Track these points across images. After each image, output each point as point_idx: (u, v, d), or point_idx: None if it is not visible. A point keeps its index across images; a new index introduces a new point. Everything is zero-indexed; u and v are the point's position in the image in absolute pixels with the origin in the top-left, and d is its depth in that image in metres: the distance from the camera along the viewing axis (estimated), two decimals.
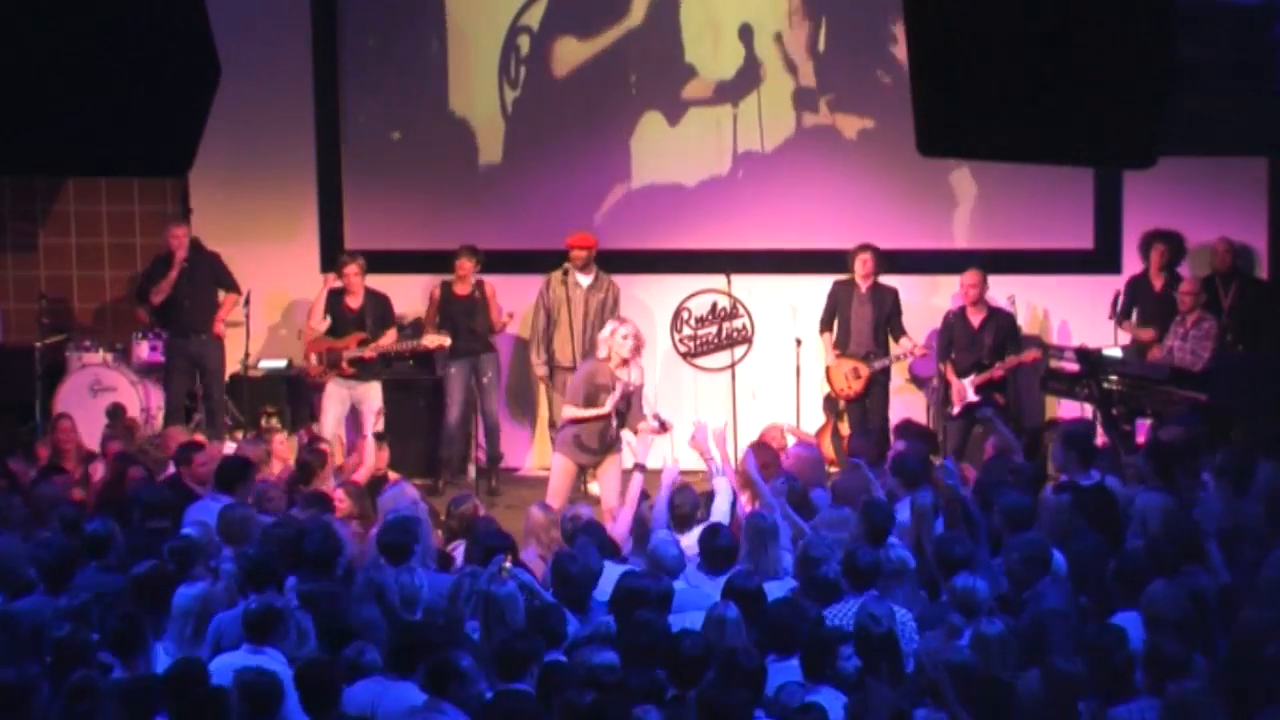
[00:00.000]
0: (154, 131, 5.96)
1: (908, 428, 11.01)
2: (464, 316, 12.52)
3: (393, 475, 10.59)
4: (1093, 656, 6.55)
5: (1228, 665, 6.75)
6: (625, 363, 10.52)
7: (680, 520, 8.94)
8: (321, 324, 12.29)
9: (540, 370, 12.61)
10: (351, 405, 12.27)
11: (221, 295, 12.82)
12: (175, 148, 6.08)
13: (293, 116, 13.30)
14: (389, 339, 12.32)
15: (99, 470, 10.54)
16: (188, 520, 8.82)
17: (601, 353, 10.62)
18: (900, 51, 12.35)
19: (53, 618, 7.16)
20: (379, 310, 12.39)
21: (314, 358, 12.33)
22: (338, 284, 12.36)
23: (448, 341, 12.30)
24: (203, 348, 12.63)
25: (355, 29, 13.33)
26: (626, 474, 9.89)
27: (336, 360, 12.23)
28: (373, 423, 11.54)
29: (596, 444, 10.58)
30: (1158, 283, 12.35)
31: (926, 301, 12.82)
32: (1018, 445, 10.32)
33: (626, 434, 10.58)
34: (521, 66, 13.25)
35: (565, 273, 12.40)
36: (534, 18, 13.18)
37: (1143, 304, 12.37)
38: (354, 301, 12.36)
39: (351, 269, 12.30)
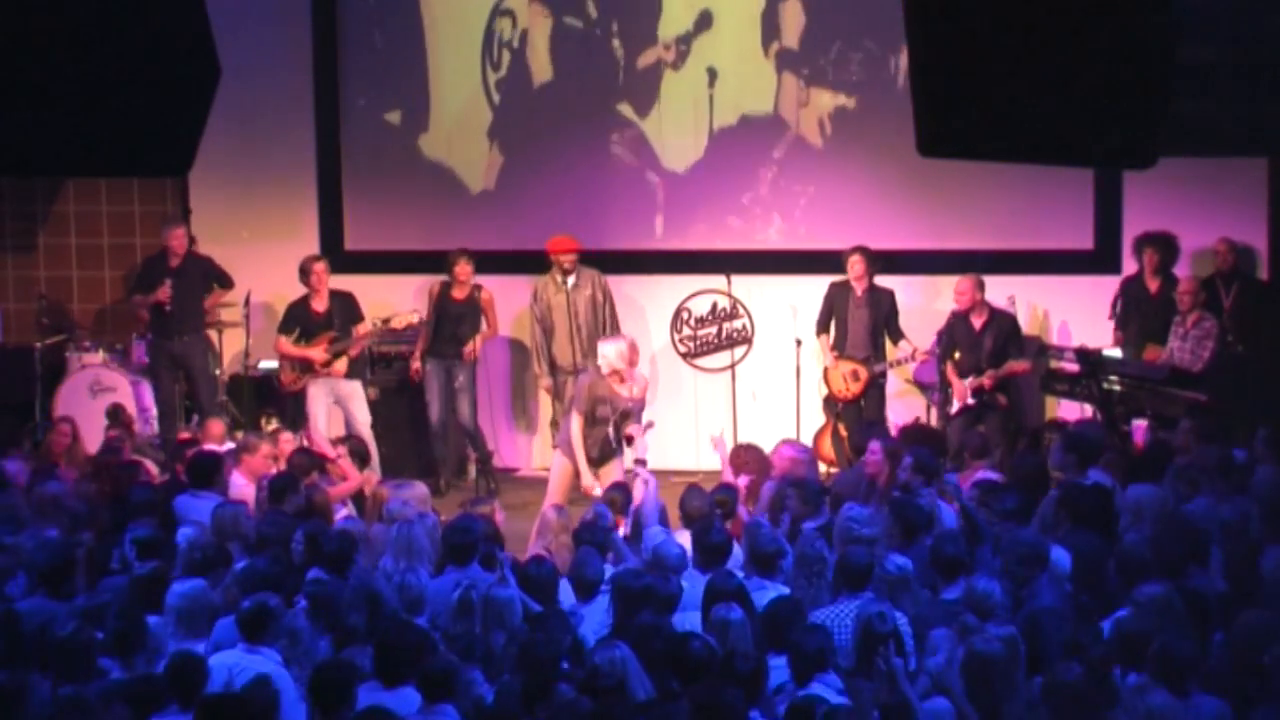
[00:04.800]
0: (154, 131, 5.95)
1: (913, 432, 11.04)
2: (453, 320, 12.49)
3: (371, 479, 10.69)
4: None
5: (1227, 667, 6.74)
6: (622, 379, 10.56)
7: (689, 519, 8.96)
8: (289, 338, 12.31)
9: (545, 382, 12.59)
10: (337, 402, 12.29)
11: (215, 290, 12.83)
12: (175, 148, 6.06)
13: (293, 116, 13.31)
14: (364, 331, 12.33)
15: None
16: (184, 521, 8.83)
17: (604, 368, 10.64)
18: (900, 49, 12.33)
19: (57, 618, 7.16)
20: (345, 309, 12.36)
21: (287, 366, 12.35)
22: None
23: (415, 319, 12.34)
24: (185, 349, 12.58)
25: (355, 29, 13.33)
26: (629, 472, 9.91)
27: (310, 366, 12.24)
28: (365, 423, 11.65)
29: (598, 454, 10.63)
30: (1153, 285, 12.21)
31: (927, 303, 12.81)
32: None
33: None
34: (518, 67, 13.25)
35: (552, 279, 12.43)
36: (535, 16, 13.19)
37: (1139, 307, 12.29)
38: (319, 304, 12.34)
39: (318, 268, 12.30)
